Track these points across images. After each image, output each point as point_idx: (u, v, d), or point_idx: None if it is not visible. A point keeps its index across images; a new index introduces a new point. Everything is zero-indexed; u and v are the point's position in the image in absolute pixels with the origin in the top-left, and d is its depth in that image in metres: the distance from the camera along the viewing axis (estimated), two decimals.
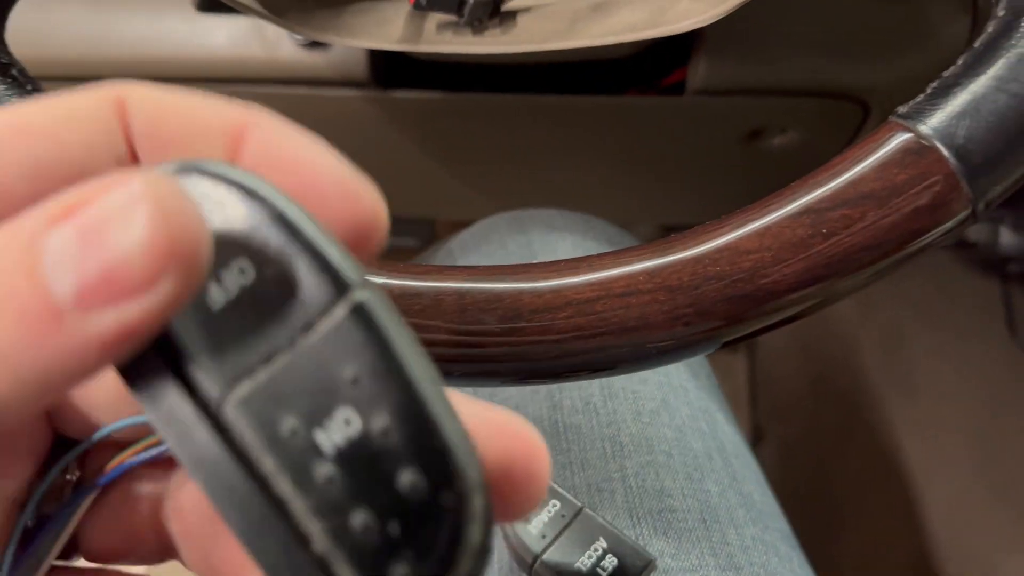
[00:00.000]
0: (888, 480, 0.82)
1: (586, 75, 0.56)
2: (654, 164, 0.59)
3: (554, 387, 0.39)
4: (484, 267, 0.28)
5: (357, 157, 0.53)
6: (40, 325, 0.12)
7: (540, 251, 0.44)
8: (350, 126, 0.57)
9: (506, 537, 0.31)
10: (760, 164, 0.57)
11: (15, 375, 0.12)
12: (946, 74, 0.28)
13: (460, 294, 0.27)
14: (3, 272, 0.12)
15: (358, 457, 0.13)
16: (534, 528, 0.31)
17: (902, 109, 0.27)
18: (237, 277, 0.13)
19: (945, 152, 0.26)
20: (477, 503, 0.13)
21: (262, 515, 0.13)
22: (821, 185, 0.26)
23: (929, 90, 0.28)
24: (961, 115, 0.26)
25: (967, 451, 0.79)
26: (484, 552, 0.13)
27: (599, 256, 0.28)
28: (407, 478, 0.13)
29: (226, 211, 0.14)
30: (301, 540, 0.13)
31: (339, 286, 0.13)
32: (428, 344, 0.27)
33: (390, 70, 0.54)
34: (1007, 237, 0.68)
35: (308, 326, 0.13)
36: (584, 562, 0.30)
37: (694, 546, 0.33)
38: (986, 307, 0.79)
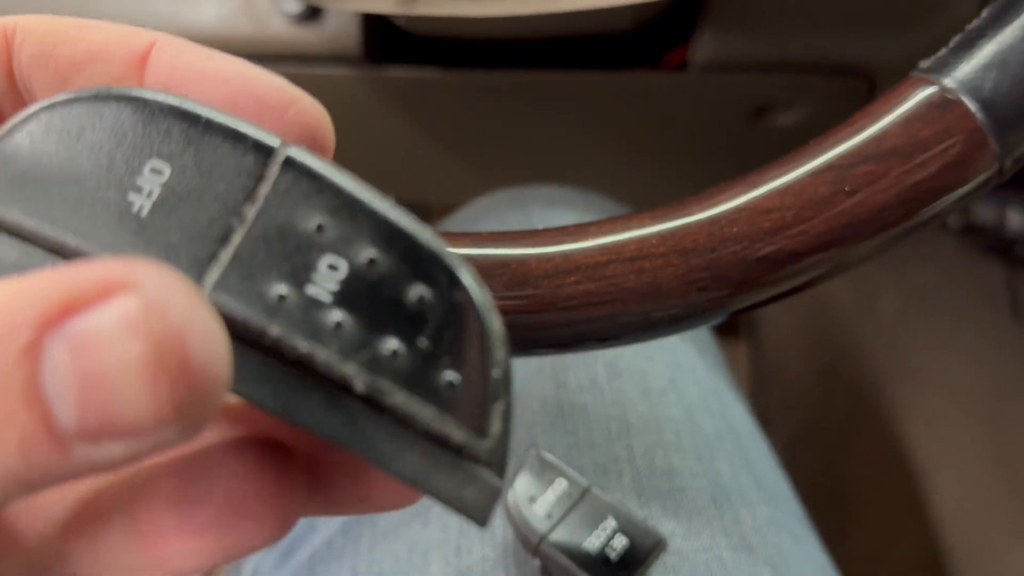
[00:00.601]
0: (896, 470, 0.81)
1: (587, 52, 0.54)
2: (656, 143, 0.58)
3: (558, 366, 0.37)
4: (489, 233, 0.27)
5: (350, 138, 0.52)
6: (44, 454, 0.10)
7: (542, 226, 0.43)
8: (343, 105, 0.55)
9: (511, 517, 0.30)
10: (765, 143, 0.55)
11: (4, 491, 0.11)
12: (970, 26, 0.26)
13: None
14: None
15: (358, 293, 0.13)
16: (540, 508, 0.30)
17: (924, 63, 0.26)
18: (152, 178, 0.13)
19: (971, 106, 0.25)
20: (484, 295, 0.13)
21: (289, 380, 0.13)
22: (843, 141, 0.25)
23: (952, 43, 0.26)
24: (987, 67, 0.25)
25: (975, 439, 0.78)
26: (507, 340, 0.14)
27: (609, 220, 0.27)
28: (413, 293, 0.13)
29: (110, 122, 0.13)
30: (341, 387, 0.13)
31: (262, 150, 0.13)
32: None
33: (384, 46, 0.53)
34: (1015, 220, 0.67)
35: (249, 196, 0.13)
36: (592, 541, 0.29)
37: (705, 526, 0.32)
38: (991, 293, 0.78)
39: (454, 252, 0.14)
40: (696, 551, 0.31)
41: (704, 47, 0.49)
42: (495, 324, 0.14)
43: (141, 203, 0.13)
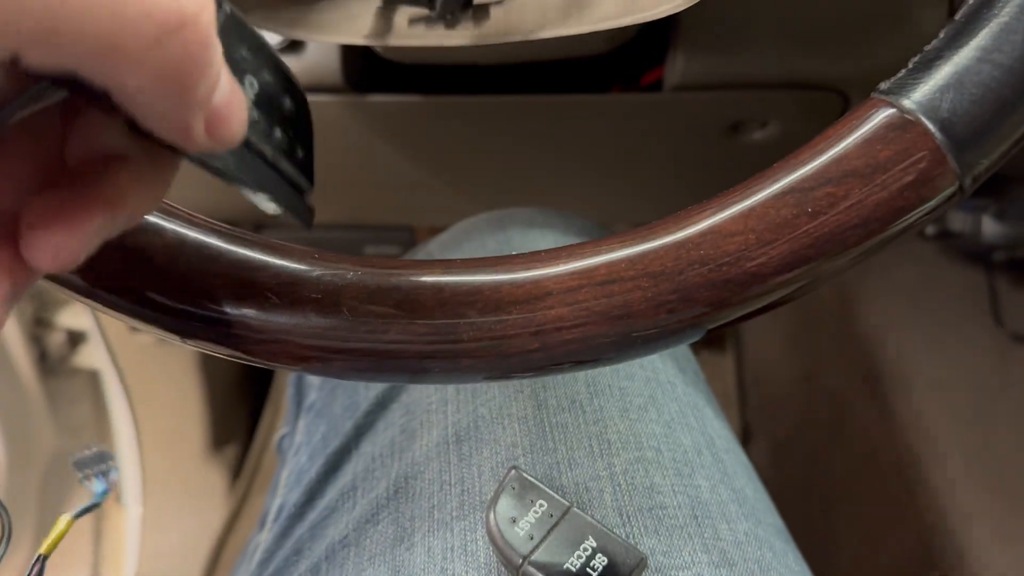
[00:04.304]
0: (881, 473, 0.81)
1: (564, 75, 0.55)
2: (636, 161, 0.58)
3: (539, 385, 0.38)
4: (463, 260, 0.27)
5: (335, 164, 0.53)
6: (197, 107, 0.17)
7: (519, 248, 0.43)
8: (326, 132, 0.56)
9: (493, 539, 0.30)
10: (742, 157, 0.56)
11: None
12: (928, 48, 0.27)
13: (438, 288, 0.26)
14: (216, 55, 0.17)
15: (263, 101, 0.21)
16: (521, 529, 0.31)
17: (884, 85, 0.27)
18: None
19: (929, 126, 0.25)
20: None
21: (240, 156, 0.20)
22: (804, 164, 0.26)
23: (911, 64, 0.27)
24: (944, 88, 0.26)
25: (959, 442, 0.79)
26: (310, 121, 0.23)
27: (580, 245, 0.27)
28: (287, 103, 0.22)
29: None
30: (258, 155, 0.21)
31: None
32: (407, 341, 0.26)
33: (365, 75, 0.53)
34: (990, 226, 0.68)
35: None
36: (573, 562, 0.29)
37: (686, 543, 0.32)
38: (972, 296, 0.79)
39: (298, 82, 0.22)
40: (677, 568, 0.31)
41: (677, 68, 0.49)
42: (312, 123, 0.23)
43: None
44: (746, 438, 0.94)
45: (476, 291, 0.26)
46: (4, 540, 0.28)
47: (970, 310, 0.79)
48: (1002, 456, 0.77)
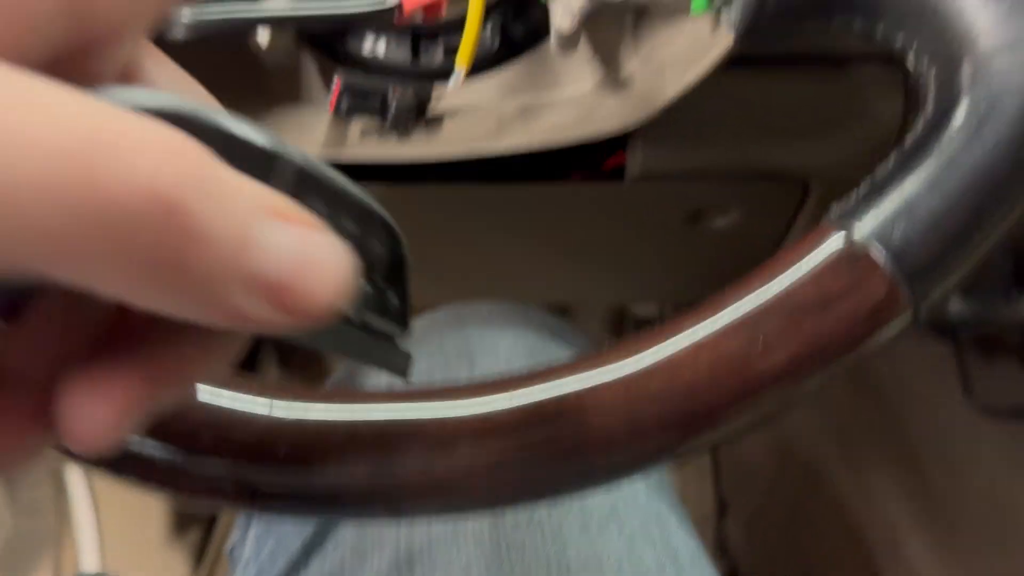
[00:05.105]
0: (855, 547, 0.81)
1: (525, 161, 0.55)
2: (597, 247, 0.58)
3: None
4: (406, 392, 0.26)
5: None
6: (222, 286, 0.13)
7: (478, 349, 0.42)
8: None
9: None
10: (704, 244, 0.56)
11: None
12: (877, 176, 0.27)
13: (379, 426, 0.25)
14: (218, 221, 0.12)
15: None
16: None
17: (835, 212, 0.26)
18: None
19: (881, 256, 0.25)
20: (406, 246, 0.20)
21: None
22: (755, 295, 0.25)
23: (861, 192, 0.27)
24: (895, 217, 0.25)
25: (932, 515, 0.78)
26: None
27: (529, 375, 0.26)
28: (376, 249, 0.19)
29: None
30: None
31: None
32: (343, 486, 0.25)
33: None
34: (956, 304, 0.68)
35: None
36: None
37: None
38: (941, 371, 0.78)
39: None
40: None
41: (637, 160, 0.49)
42: (410, 262, 0.20)
43: None
44: (721, 510, 0.92)
45: (419, 428, 0.25)
46: None
47: (939, 385, 0.79)
48: (975, 530, 0.76)
